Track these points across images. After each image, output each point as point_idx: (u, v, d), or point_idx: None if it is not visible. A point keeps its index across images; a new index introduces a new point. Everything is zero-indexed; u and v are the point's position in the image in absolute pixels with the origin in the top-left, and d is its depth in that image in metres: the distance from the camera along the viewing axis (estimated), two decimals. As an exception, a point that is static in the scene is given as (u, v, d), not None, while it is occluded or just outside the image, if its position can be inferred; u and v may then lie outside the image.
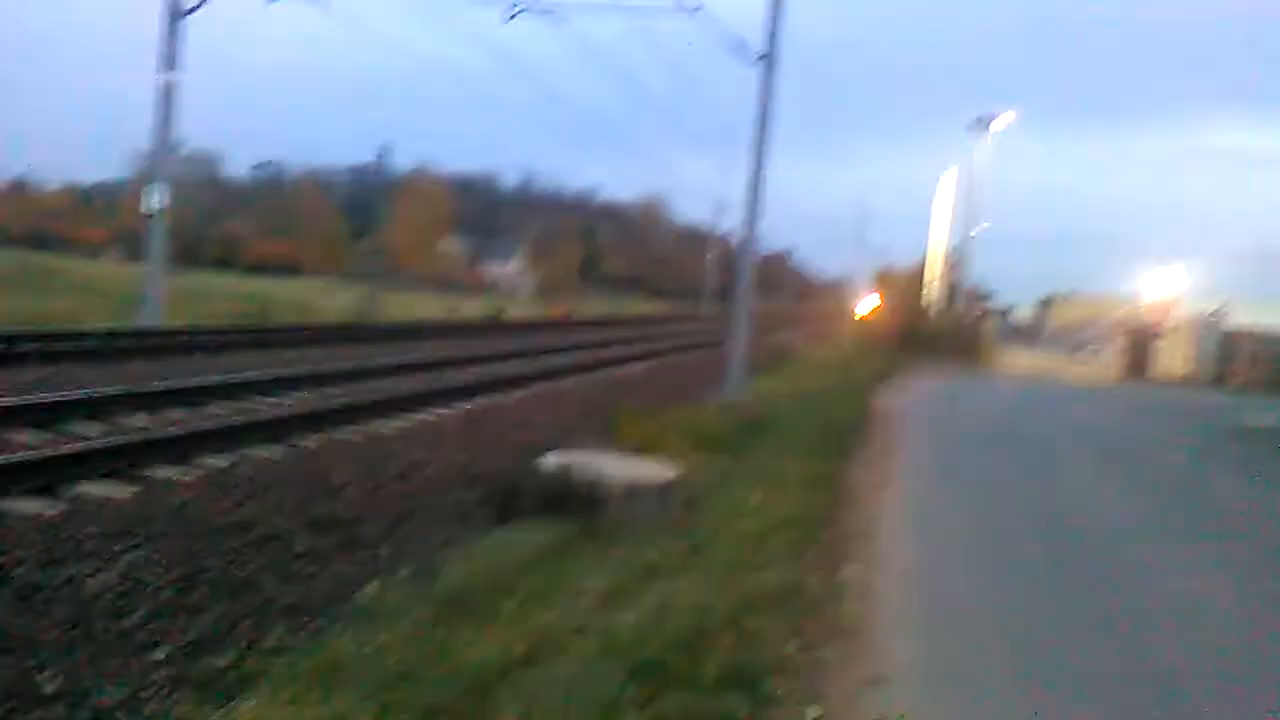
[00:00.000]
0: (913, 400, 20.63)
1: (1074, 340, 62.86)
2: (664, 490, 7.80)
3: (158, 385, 10.62)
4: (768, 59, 15.86)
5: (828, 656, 5.04)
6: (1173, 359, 39.11)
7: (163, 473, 7.34)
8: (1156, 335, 40.46)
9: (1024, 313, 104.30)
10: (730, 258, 66.92)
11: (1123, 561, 8.04)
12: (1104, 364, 40.71)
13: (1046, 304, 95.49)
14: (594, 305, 59.81)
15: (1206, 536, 9.57)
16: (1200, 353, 38.29)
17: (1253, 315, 48.87)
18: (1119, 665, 5.43)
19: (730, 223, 73.47)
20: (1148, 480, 13.15)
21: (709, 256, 68.51)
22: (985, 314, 42.97)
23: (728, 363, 16.39)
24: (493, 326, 29.50)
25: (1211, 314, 43.21)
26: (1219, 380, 37.36)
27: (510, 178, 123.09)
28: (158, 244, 18.53)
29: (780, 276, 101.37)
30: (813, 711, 4.32)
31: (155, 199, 18.13)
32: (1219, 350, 38.39)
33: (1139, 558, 8.26)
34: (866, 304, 48.66)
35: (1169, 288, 49.75)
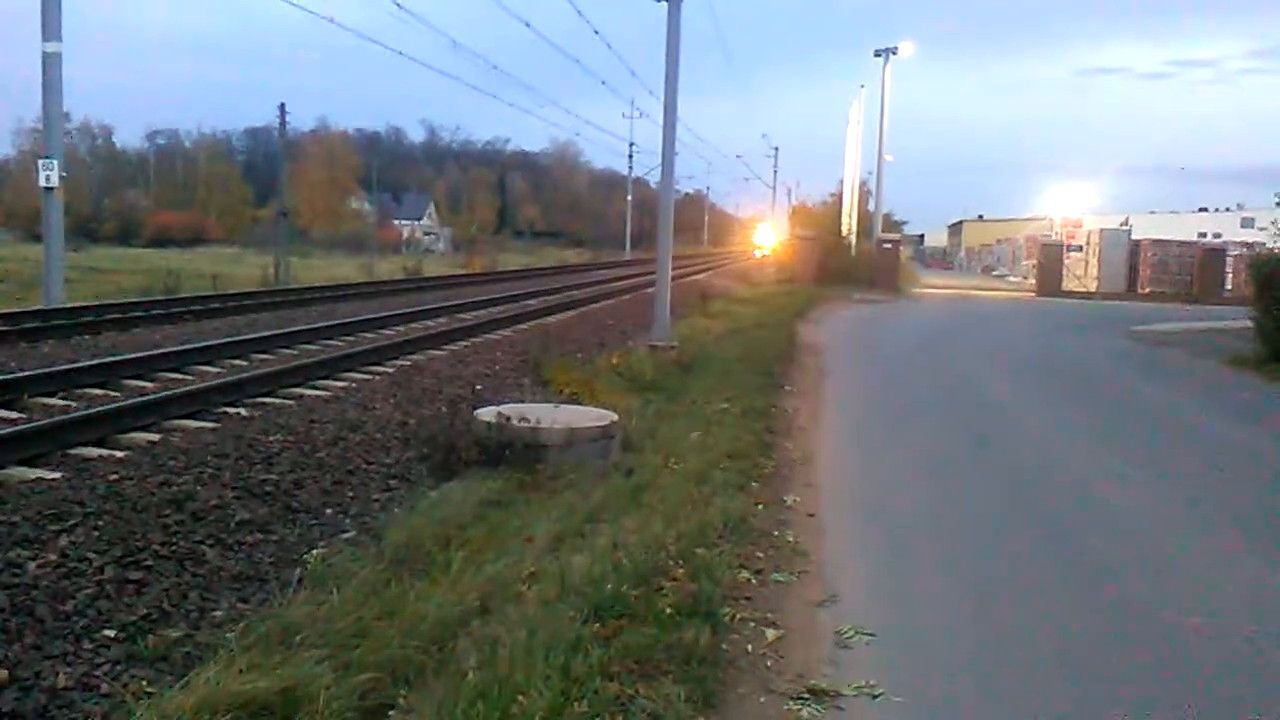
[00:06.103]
0: (835, 330, 20.92)
1: (986, 261, 64.07)
2: (603, 434, 7.82)
3: (72, 364, 10.29)
4: (672, -5, 15.70)
5: (781, 580, 5.14)
6: (1085, 273, 40.16)
7: (90, 452, 7.14)
8: (1067, 251, 41.47)
9: (937, 238, 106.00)
10: (647, 201, 66.79)
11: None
12: (1019, 282, 41.57)
13: (957, 228, 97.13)
14: (513, 257, 59.27)
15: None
16: (1109, 265, 39.32)
17: (1153, 227, 50.43)
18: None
19: (644, 167, 73.28)
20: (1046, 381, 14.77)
21: (628, 200, 68.17)
22: (900, 241, 43.55)
23: (653, 305, 16.39)
24: (412, 284, 29.03)
25: (1117, 228, 44.43)
26: (1129, 290, 38.48)
27: (415, 132, 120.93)
28: (55, 221, 17.78)
29: (699, 217, 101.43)
30: (772, 634, 4.40)
31: (50, 174, 17.37)
32: (1127, 262, 39.49)
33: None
34: (779, 237, 48.98)
35: (1075, 205, 50.94)
